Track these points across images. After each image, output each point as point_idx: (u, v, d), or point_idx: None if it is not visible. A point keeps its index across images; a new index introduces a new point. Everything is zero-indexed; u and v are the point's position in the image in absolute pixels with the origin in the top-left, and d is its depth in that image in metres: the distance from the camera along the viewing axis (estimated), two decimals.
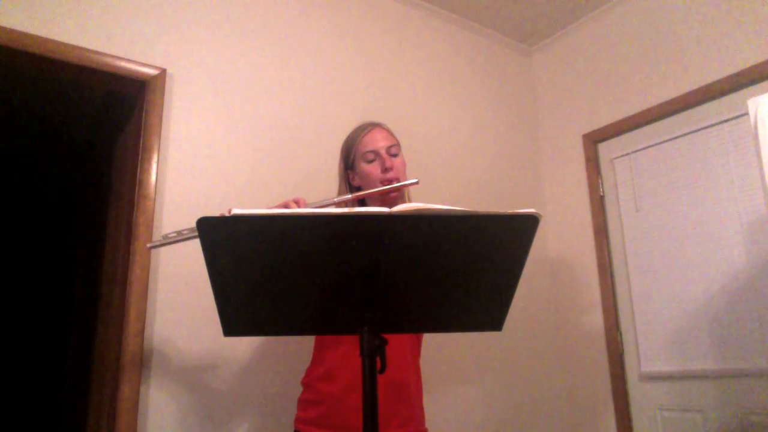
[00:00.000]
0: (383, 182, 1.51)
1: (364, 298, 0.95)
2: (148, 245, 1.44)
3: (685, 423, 2.38)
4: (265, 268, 0.91)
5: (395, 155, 1.57)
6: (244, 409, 1.92)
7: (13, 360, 4.43)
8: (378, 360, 0.94)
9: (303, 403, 1.54)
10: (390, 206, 0.90)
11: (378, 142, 1.56)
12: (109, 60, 1.92)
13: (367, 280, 0.93)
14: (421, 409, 1.56)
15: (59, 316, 4.40)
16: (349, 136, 1.64)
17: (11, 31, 1.77)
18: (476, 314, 1.03)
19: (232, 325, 0.99)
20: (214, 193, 2.04)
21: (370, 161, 1.55)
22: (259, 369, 1.98)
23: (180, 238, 1.35)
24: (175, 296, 1.88)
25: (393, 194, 1.52)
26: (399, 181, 1.51)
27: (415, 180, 1.41)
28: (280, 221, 0.87)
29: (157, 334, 1.83)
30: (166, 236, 1.37)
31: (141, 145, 1.94)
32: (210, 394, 1.87)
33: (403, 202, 1.60)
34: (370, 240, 0.89)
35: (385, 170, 1.53)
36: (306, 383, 1.56)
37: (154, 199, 1.90)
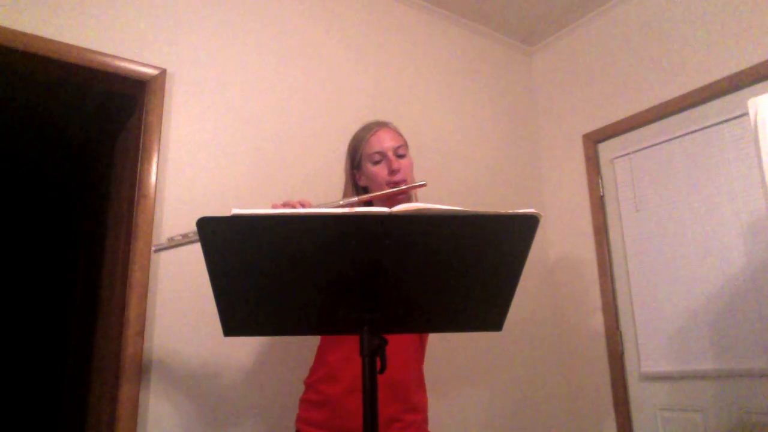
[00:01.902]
0: (390, 184, 1.50)
1: (364, 298, 0.95)
2: (154, 248, 1.42)
3: (685, 423, 2.38)
4: (265, 268, 0.91)
5: (402, 156, 1.55)
6: (244, 410, 1.92)
7: (12, 361, 4.43)
8: (378, 360, 0.94)
9: (305, 403, 1.54)
10: None
11: (385, 142, 1.54)
12: (109, 60, 1.92)
13: (367, 280, 0.93)
14: (424, 411, 1.54)
15: (59, 317, 4.40)
16: (355, 135, 1.62)
17: (11, 31, 1.77)
18: (476, 314, 1.03)
19: (232, 326, 0.99)
20: (214, 193, 2.04)
21: (377, 162, 1.53)
22: (260, 369, 1.98)
23: (186, 240, 1.34)
24: (175, 297, 1.88)
25: (400, 197, 1.51)
26: (406, 183, 1.50)
27: (422, 183, 1.40)
28: (280, 221, 0.87)
29: (157, 334, 1.82)
30: (171, 239, 1.36)
31: (141, 145, 1.94)
32: (210, 394, 1.87)
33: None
34: (370, 240, 0.89)
35: (392, 172, 1.51)
36: (308, 383, 1.55)
37: (154, 199, 1.90)
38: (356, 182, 1.60)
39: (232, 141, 2.13)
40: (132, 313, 1.78)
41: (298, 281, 0.93)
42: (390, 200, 1.50)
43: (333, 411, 1.42)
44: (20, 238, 4.66)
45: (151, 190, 1.90)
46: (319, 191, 2.26)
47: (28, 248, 4.69)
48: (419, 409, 1.51)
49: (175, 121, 2.02)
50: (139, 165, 1.93)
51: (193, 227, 1.44)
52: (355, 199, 1.42)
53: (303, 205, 1.35)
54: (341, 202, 1.39)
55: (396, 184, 1.49)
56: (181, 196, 1.97)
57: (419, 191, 1.62)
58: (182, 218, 1.94)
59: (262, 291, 0.94)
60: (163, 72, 2.02)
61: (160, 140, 1.96)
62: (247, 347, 1.97)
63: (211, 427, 1.85)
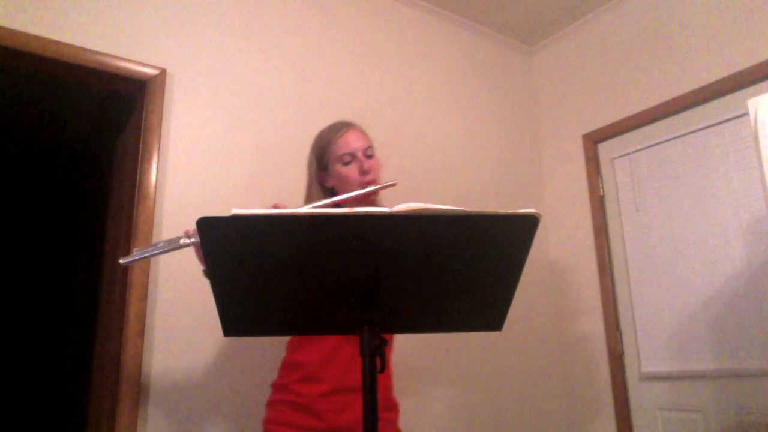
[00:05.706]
0: (362, 185, 1.51)
1: (364, 298, 0.95)
2: (122, 261, 1.35)
3: (685, 423, 2.38)
4: (265, 268, 0.91)
5: (371, 156, 1.58)
6: (246, 410, 1.92)
7: (13, 361, 4.43)
8: (378, 360, 0.94)
9: (278, 403, 1.51)
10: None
11: (354, 143, 1.56)
12: (109, 60, 1.92)
13: (367, 280, 0.93)
14: (398, 410, 1.59)
15: (60, 317, 4.41)
16: (321, 137, 1.62)
17: (11, 31, 1.77)
18: (476, 314, 1.03)
19: (231, 325, 0.99)
20: (214, 193, 2.04)
21: (347, 163, 1.54)
22: (261, 369, 1.98)
23: (154, 251, 1.32)
24: (175, 296, 1.88)
25: (371, 197, 1.53)
26: (377, 183, 1.52)
27: (393, 182, 1.41)
28: (280, 221, 0.87)
29: (157, 334, 1.82)
30: (141, 249, 1.32)
31: (141, 145, 1.94)
32: (211, 393, 1.87)
33: (380, 203, 1.63)
34: (370, 240, 0.89)
35: (363, 173, 1.53)
36: (281, 384, 1.53)
37: (154, 199, 1.90)
38: (322, 184, 1.61)
39: (232, 141, 2.13)
40: (132, 312, 1.78)
41: (298, 281, 0.93)
42: (362, 201, 1.50)
43: (315, 412, 1.42)
44: (20, 239, 4.66)
45: (151, 190, 1.90)
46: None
47: (28, 248, 4.69)
48: (395, 408, 1.57)
49: (175, 121, 2.02)
50: (139, 165, 1.93)
51: (169, 235, 1.38)
52: (328, 201, 1.39)
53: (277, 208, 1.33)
54: (311, 206, 1.35)
55: (368, 184, 1.51)
56: (181, 196, 1.97)
57: (399, 189, 1.58)
58: (182, 218, 1.94)
59: (262, 291, 0.94)
60: (163, 72, 2.02)
61: (160, 140, 1.96)
62: (248, 346, 1.97)
63: (211, 425, 1.85)
